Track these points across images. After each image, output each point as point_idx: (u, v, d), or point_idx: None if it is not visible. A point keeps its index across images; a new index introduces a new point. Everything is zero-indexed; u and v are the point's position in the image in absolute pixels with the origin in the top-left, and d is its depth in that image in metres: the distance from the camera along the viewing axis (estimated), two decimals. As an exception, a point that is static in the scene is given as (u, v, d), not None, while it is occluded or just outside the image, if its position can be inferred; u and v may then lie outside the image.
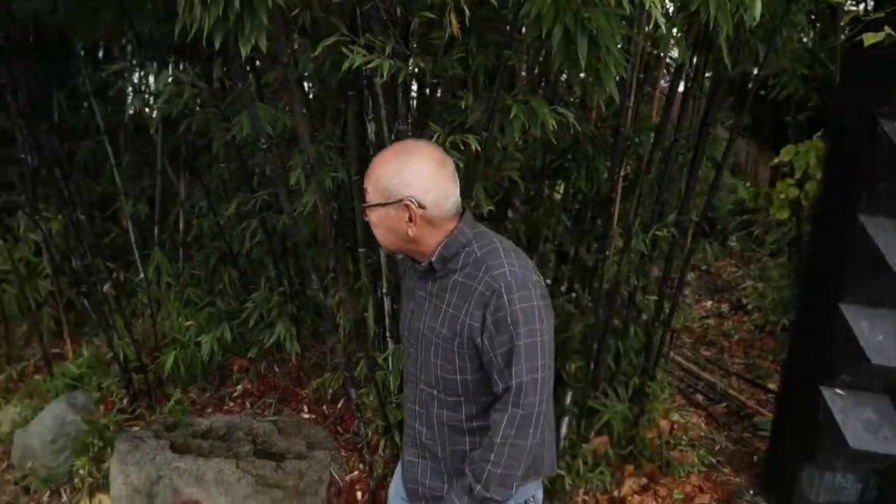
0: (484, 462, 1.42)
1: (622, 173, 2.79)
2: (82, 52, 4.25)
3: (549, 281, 3.38)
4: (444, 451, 1.56)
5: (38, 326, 3.80)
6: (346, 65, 1.68)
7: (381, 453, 2.81)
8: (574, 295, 3.39)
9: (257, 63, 2.78)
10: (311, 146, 2.02)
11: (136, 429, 3.27)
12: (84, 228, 3.51)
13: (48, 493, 3.12)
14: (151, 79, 4.03)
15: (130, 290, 3.93)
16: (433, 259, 1.46)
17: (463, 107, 1.99)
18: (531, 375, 1.39)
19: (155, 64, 3.85)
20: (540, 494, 1.61)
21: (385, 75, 1.69)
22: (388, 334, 2.61)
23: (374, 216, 1.47)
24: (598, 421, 3.17)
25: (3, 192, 3.88)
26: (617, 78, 1.89)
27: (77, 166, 4.07)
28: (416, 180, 1.39)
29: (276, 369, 3.62)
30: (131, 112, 4.09)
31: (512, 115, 1.92)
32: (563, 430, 3.12)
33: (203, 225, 3.56)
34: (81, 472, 3.11)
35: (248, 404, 3.54)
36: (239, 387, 3.60)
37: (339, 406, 3.41)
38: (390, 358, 2.66)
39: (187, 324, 3.35)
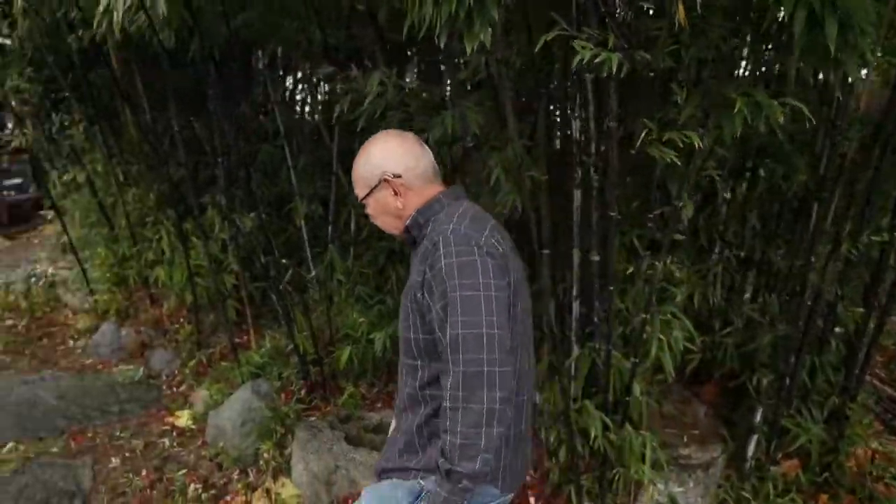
0: (444, 433, 1.35)
1: (830, 171, 2.53)
2: (263, 62, 4.57)
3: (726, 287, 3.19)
4: (406, 422, 1.54)
5: (225, 316, 4.10)
6: (576, 60, 1.63)
7: (558, 460, 2.73)
8: (761, 303, 3.16)
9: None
10: (518, 143, 1.99)
11: (313, 418, 3.43)
12: (269, 227, 3.74)
13: (237, 471, 3.33)
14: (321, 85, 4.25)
15: (303, 286, 4.13)
16: (409, 223, 1.53)
17: (678, 101, 1.87)
18: (470, 330, 1.32)
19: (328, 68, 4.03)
20: None
21: (614, 70, 1.62)
22: (573, 339, 2.53)
23: (370, 209, 1.59)
24: (791, 443, 2.91)
25: (200, 193, 4.22)
26: (865, 66, 1.69)
27: (257, 168, 4.35)
28: (382, 157, 1.52)
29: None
30: (311, 115, 4.31)
31: (736, 110, 1.77)
32: (751, 449, 2.89)
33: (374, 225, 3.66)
34: (266, 455, 3.30)
35: (415, 401, 3.60)
36: (407, 383, 3.66)
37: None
38: (572, 364, 2.58)
39: (360, 320, 3.46)
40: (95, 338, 4.65)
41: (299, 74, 4.61)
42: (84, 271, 4.92)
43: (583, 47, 1.61)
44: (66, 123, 4.46)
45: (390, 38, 2.97)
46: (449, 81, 2.51)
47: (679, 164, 1.94)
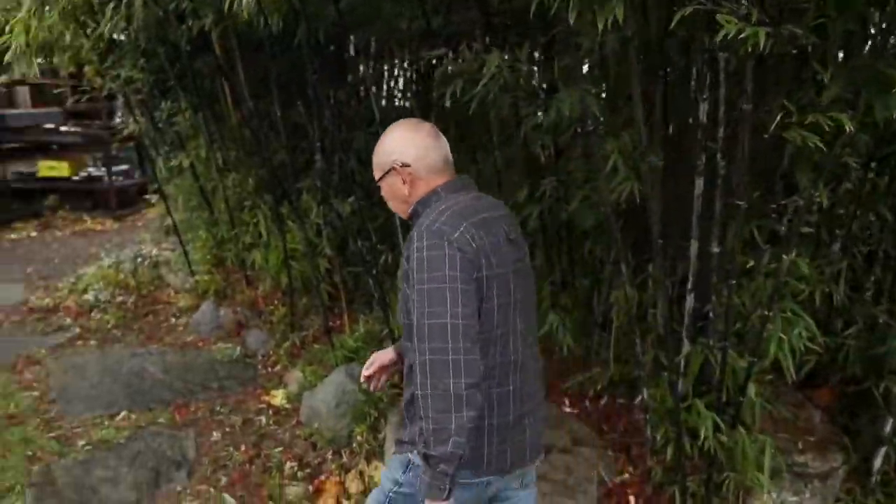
0: (420, 419, 1.44)
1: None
2: (360, 47, 4.60)
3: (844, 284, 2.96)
4: (403, 400, 1.68)
5: (319, 300, 4.18)
6: (719, 35, 1.52)
7: (662, 459, 2.62)
8: (888, 303, 2.91)
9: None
10: (644, 128, 1.89)
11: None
12: (364, 212, 3.77)
13: (331, 452, 3.39)
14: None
15: (393, 272, 4.14)
16: (410, 210, 1.64)
17: (822, 80, 1.72)
18: (435, 319, 1.41)
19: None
20: (457, 492, 1.47)
21: (761, 46, 1.50)
22: (684, 334, 2.41)
23: (383, 192, 1.70)
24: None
25: (297, 178, 4.31)
26: None
27: (353, 154, 4.39)
28: (395, 146, 1.62)
29: (536, 359, 3.59)
30: (406, 101, 4.32)
31: None
32: (878, 462, 2.67)
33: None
34: (360, 438, 3.34)
35: (507, 391, 3.55)
36: (497, 373, 3.62)
37: (604, 403, 3.28)
38: (682, 360, 2.45)
39: (455, 307, 3.44)
40: (196, 316, 4.85)
41: (395, 59, 4.61)
42: (185, 253, 5.14)
43: (727, 21, 1.50)
44: (173, 111, 4.65)
45: (496, 21, 2.91)
46: (560, 64, 2.42)
47: (818, 150, 1.78)
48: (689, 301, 2.35)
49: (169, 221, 5.48)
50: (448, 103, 3.28)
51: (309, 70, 3.86)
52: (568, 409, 3.39)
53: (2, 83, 9.23)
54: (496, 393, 1.56)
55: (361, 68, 4.28)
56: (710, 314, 2.29)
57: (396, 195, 1.66)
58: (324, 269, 4.26)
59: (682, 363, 2.44)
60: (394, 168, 1.61)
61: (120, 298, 5.33)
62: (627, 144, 2.07)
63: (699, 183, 2.06)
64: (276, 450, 3.44)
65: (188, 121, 4.60)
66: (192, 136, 4.75)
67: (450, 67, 2.28)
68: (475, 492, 1.63)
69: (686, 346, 2.42)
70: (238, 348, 4.43)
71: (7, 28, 3.35)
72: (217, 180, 4.77)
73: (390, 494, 1.69)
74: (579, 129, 2.21)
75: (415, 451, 1.57)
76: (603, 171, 2.04)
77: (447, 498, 1.43)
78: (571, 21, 1.56)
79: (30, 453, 3.37)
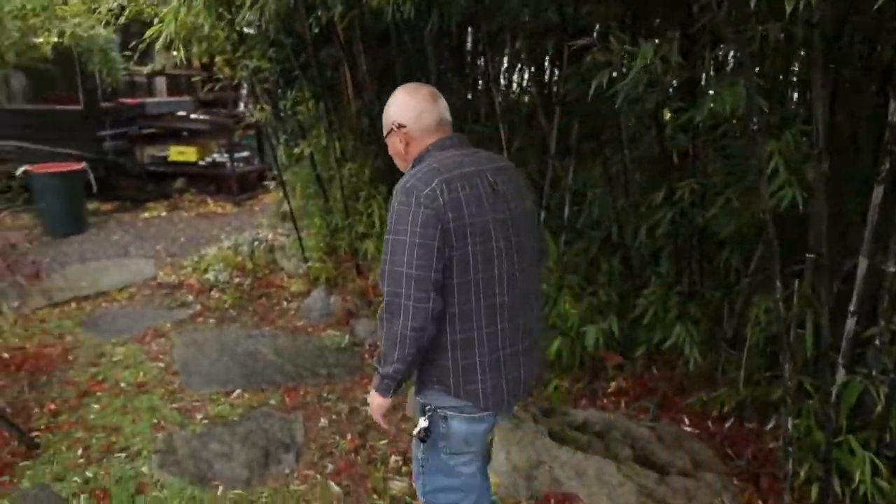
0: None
1: None
2: (481, 38, 4.52)
3: None
4: None
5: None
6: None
7: (800, 496, 2.36)
8: None
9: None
10: (823, 127, 1.68)
11: (515, 408, 3.33)
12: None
13: (435, 450, 3.34)
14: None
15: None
16: (409, 166, 1.80)
17: None
18: (395, 268, 1.63)
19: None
20: (461, 425, 1.78)
21: None
22: (840, 360, 2.14)
23: (389, 149, 1.89)
24: None
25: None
26: None
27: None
28: (394, 109, 1.81)
29: (655, 372, 3.37)
30: (526, 95, 4.20)
31: None
32: None
33: (593, 211, 3.47)
34: (465, 438, 3.27)
35: (622, 404, 3.37)
36: (613, 383, 3.44)
37: (729, 426, 3.02)
38: (835, 390, 2.19)
39: (571, 311, 3.29)
40: (307, 302, 4.97)
41: (518, 51, 4.49)
42: (300, 239, 5.27)
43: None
44: (297, 101, 4.76)
45: (635, 11, 2.73)
46: (710, 56, 2.22)
47: None
48: (850, 324, 2.08)
49: (286, 208, 5.65)
50: (572, 98, 3.14)
51: (432, 61, 3.84)
52: (688, 429, 3.16)
53: (144, 73, 9.95)
54: (485, 333, 1.73)
55: (482, 60, 4.19)
56: (876, 341, 2.02)
57: (398, 153, 1.86)
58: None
59: (836, 393, 2.17)
60: (393, 129, 1.82)
61: (237, 280, 5.55)
62: (790, 145, 1.84)
63: (878, 192, 1.81)
64: (382, 442, 3.43)
65: (310, 110, 4.70)
66: (313, 125, 4.85)
67: (594, 58, 2.12)
68: (485, 425, 1.85)
69: (841, 374, 2.15)
70: (347, 336, 4.49)
71: (157, 19, 3.54)
72: (334, 169, 4.84)
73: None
74: (733, 128, 2.00)
75: (423, 392, 1.82)
76: (762, 174, 1.83)
77: (387, 397, 1.78)
78: (752, 5, 1.38)
79: (155, 421, 3.55)
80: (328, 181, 5.07)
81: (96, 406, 3.71)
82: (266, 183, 6.92)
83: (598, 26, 3.12)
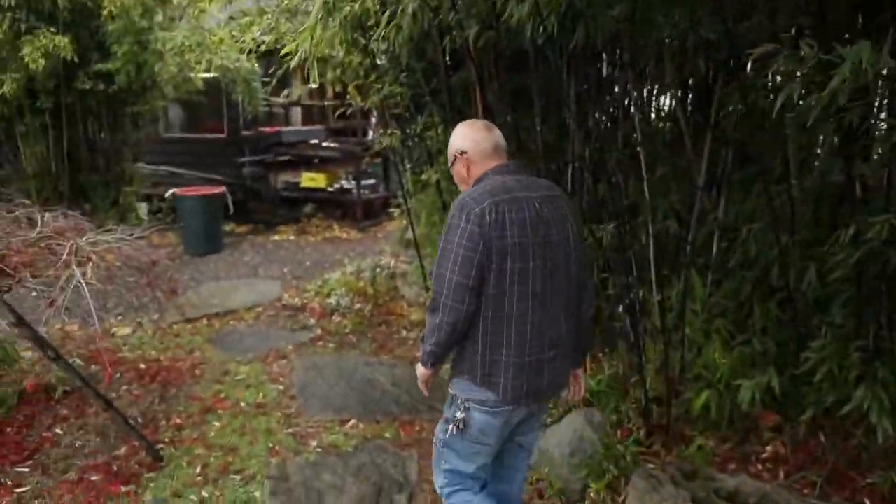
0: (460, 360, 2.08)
1: None
2: (621, 60, 4.24)
3: None
4: None
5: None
6: None
7: None
8: None
9: None
10: None
11: (651, 466, 2.96)
12: (615, 240, 3.38)
13: (559, 504, 3.03)
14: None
15: (645, 311, 3.68)
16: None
17: None
18: (440, 271, 1.94)
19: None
20: (482, 417, 2.04)
21: None
22: None
23: (454, 176, 2.18)
24: None
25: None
26: None
27: (603, 177, 4.04)
28: (457, 139, 2.12)
29: (822, 439, 2.88)
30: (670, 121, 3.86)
31: None
32: None
33: (748, 249, 3.05)
34: (594, 496, 2.93)
35: (781, 473, 2.89)
36: (769, 448, 2.97)
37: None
38: None
39: (721, 360, 2.89)
40: (427, 332, 4.83)
41: (665, 72, 4.16)
42: (422, 267, 5.17)
43: None
44: (427, 126, 4.70)
45: (816, 18, 2.37)
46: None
47: None
48: None
49: (409, 235, 5.60)
50: (727, 122, 2.79)
51: (568, 83, 3.61)
52: (869, 513, 2.64)
53: (281, 103, 10.50)
54: (514, 340, 1.96)
55: (624, 82, 3.91)
56: None
57: (461, 178, 2.13)
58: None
59: None
60: (456, 156, 2.09)
61: (358, 305, 5.54)
62: None
63: None
64: (500, 490, 3.17)
65: (439, 136, 4.61)
66: (441, 150, 4.75)
67: (780, 67, 1.81)
68: (503, 418, 2.06)
69: None
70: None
71: (293, 39, 3.60)
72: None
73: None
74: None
75: (453, 382, 2.13)
76: None
77: (429, 368, 2.13)
78: None
79: (270, 445, 3.50)
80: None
81: (217, 424, 3.73)
82: (391, 210, 6.96)
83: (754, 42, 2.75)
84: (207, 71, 6.93)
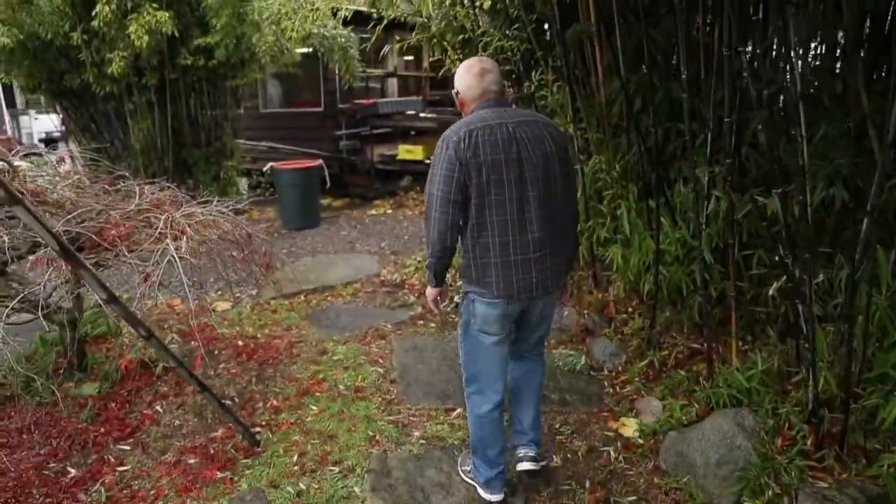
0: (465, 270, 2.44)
1: None
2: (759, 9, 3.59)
3: None
4: None
5: (689, 315, 3.35)
6: None
7: None
8: None
9: None
10: None
11: (823, 485, 2.43)
12: (758, 212, 2.82)
13: (703, 522, 2.56)
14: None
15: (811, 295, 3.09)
16: None
17: None
18: (430, 190, 2.32)
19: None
20: (482, 307, 2.41)
21: None
22: None
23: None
24: None
25: (670, 165, 3.55)
26: None
27: (747, 139, 3.44)
28: (456, 79, 2.46)
29: None
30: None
31: None
32: None
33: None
34: (749, 515, 2.44)
35: None
36: None
37: None
38: None
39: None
40: (535, 313, 4.42)
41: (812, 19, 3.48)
42: (530, 242, 4.74)
43: None
44: (541, 83, 4.22)
45: None
46: None
47: None
48: None
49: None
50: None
51: (711, 30, 3.05)
52: None
53: (378, 75, 10.25)
54: (498, 242, 2.32)
55: (766, 30, 3.29)
56: None
57: (462, 110, 2.46)
58: (700, 279, 3.40)
59: None
60: (453, 93, 2.47)
61: (460, 282, 5.19)
62: None
63: None
64: (629, 498, 2.74)
65: (554, 95, 4.13)
66: (554, 113, 4.27)
67: None
68: (499, 309, 2.39)
69: None
70: (583, 357, 3.84)
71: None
72: (579, 163, 4.24)
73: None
74: None
75: (463, 284, 2.51)
76: None
77: (433, 286, 2.56)
78: None
79: (371, 433, 3.23)
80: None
81: (314, 408, 3.50)
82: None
83: None
84: (306, 38, 6.72)
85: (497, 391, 2.55)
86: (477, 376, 2.56)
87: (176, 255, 3.05)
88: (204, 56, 7.32)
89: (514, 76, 4.52)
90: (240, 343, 4.37)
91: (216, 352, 4.27)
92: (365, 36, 7.11)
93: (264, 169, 8.10)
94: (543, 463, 2.84)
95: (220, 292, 5.57)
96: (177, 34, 6.81)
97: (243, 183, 9.28)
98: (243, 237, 3.66)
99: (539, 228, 2.32)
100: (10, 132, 16.72)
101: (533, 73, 4.17)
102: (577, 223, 2.62)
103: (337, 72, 9.44)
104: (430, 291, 2.56)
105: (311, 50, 7.91)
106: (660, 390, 3.35)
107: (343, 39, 7.26)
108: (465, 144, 2.22)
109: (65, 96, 8.11)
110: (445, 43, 5.03)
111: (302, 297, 5.33)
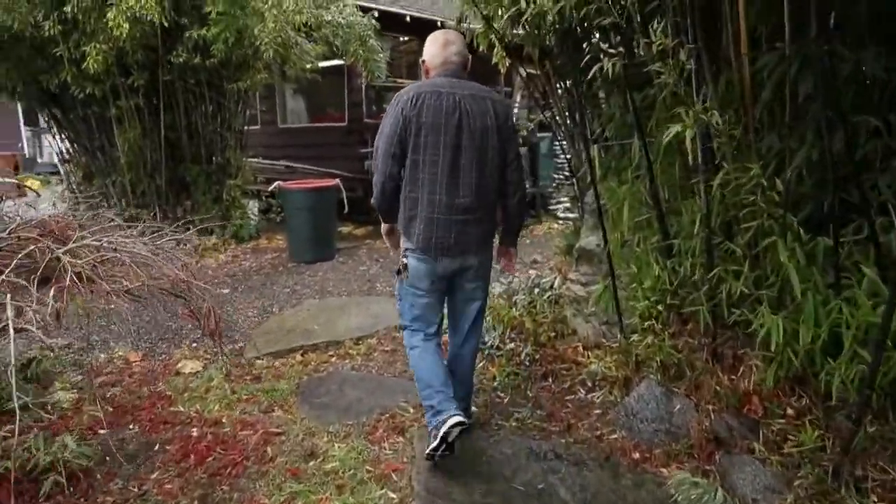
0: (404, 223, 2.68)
1: None
2: None
3: None
4: None
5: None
6: None
7: None
8: None
9: None
10: None
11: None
12: None
13: None
14: None
15: None
16: None
17: None
18: (376, 144, 2.60)
19: None
20: (413, 261, 2.61)
21: None
22: None
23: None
24: None
25: (856, 181, 2.16)
26: None
27: None
28: (424, 49, 2.68)
29: None
30: None
31: None
32: None
33: None
34: None
35: None
36: None
37: None
38: None
39: None
40: (629, 401, 2.97)
41: None
42: (614, 291, 3.32)
43: None
44: (661, 48, 2.80)
45: None
46: None
47: None
48: None
49: (584, 243, 3.79)
50: None
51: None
52: None
53: (408, 83, 8.95)
54: (426, 198, 2.53)
55: None
56: None
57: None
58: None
59: None
60: (421, 62, 2.72)
61: (510, 345, 3.76)
62: None
63: None
64: None
65: (677, 67, 2.70)
66: (681, 99, 2.87)
67: None
68: (427, 265, 2.60)
69: None
70: (716, 487, 2.37)
71: None
72: (692, 178, 2.83)
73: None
74: None
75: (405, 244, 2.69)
76: None
77: (384, 223, 2.79)
78: None
79: None
80: (677, 199, 3.07)
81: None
82: (552, 208, 5.15)
83: None
84: (317, 27, 5.49)
85: (431, 327, 2.73)
86: (411, 322, 2.74)
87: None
88: (201, 53, 6.15)
89: (617, 34, 3.10)
90: (194, 433, 3.02)
91: (157, 446, 2.93)
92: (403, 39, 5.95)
93: (270, 188, 6.85)
94: (471, 421, 2.84)
95: (195, 345, 4.27)
96: (166, 24, 5.64)
97: (252, 206, 8.06)
98: (182, 285, 2.34)
99: (466, 194, 2.55)
100: (27, 151, 16.03)
101: (651, 27, 2.66)
102: (519, 193, 2.71)
103: (362, 81, 8.25)
104: (383, 227, 2.84)
105: (334, 63, 6.69)
106: None
107: (361, 28, 5.99)
108: (411, 104, 2.49)
109: (50, 102, 7.03)
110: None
111: (298, 357, 3.99)
